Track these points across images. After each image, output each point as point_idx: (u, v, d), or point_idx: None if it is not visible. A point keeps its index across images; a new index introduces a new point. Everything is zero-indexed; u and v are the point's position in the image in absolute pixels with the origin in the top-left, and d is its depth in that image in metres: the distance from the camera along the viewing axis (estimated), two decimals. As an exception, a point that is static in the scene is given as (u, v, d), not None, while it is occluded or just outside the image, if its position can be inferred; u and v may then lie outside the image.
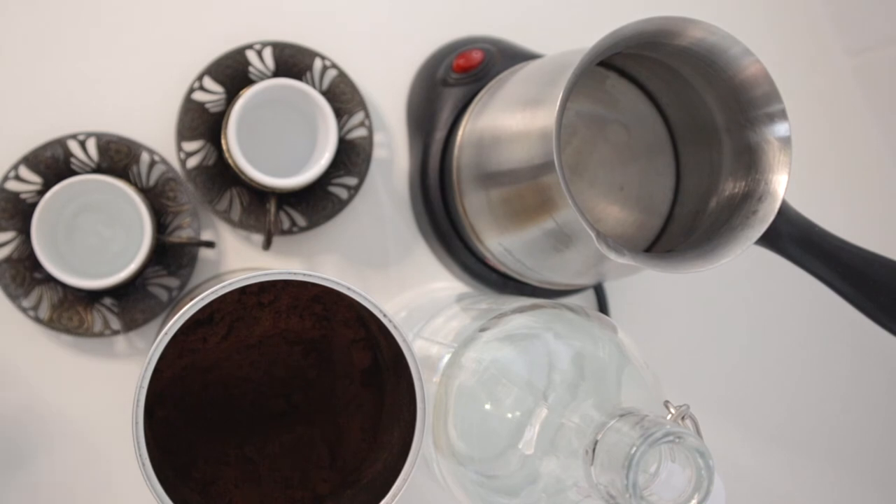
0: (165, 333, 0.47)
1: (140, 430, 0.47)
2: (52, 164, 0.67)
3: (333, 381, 0.62)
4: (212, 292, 0.48)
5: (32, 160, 0.67)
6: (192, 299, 0.48)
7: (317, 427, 0.62)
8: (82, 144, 0.68)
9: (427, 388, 0.52)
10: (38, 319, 0.67)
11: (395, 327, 0.49)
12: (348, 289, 0.49)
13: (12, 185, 0.67)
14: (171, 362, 0.59)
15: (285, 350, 0.63)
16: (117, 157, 0.68)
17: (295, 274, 0.48)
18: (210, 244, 0.68)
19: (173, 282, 0.69)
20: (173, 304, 0.70)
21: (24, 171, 0.67)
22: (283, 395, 0.64)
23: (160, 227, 0.69)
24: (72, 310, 0.67)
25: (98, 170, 0.68)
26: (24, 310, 0.67)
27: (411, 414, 0.50)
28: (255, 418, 0.63)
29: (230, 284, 0.48)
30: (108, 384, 0.70)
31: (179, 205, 0.69)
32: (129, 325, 0.68)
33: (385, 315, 0.49)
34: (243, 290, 0.57)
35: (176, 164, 0.70)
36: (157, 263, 0.69)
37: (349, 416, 0.60)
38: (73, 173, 0.67)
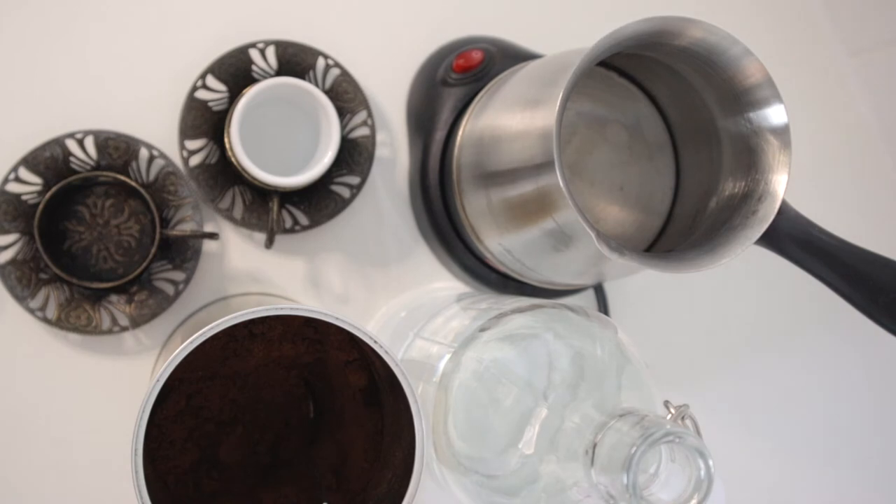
0: (158, 380, 0.47)
1: (141, 478, 0.47)
2: (52, 163, 0.67)
3: (332, 403, 0.62)
4: (201, 334, 0.47)
5: (31, 161, 0.67)
6: (183, 340, 0.48)
7: (320, 451, 0.62)
8: (80, 143, 0.68)
9: (426, 395, 0.52)
10: (46, 320, 0.67)
11: (385, 352, 0.49)
12: (337, 319, 0.49)
13: (13, 187, 0.67)
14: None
15: (281, 376, 0.63)
16: (116, 154, 0.68)
17: (282, 308, 0.48)
18: (213, 235, 0.68)
19: (178, 275, 0.69)
20: (180, 305, 0.70)
21: (24, 173, 0.67)
22: (284, 422, 0.64)
23: (162, 221, 0.69)
24: (79, 308, 0.67)
25: (98, 167, 0.68)
26: (31, 311, 0.67)
27: (412, 434, 0.50)
28: (258, 450, 0.63)
29: (219, 325, 0.47)
30: (117, 381, 0.70)
31: (181, 198, 0.69)
32: (137, 321, 0.68)
33: (376, 341, 0.49)
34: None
35: (178, 162, 0.70)
36: (161, 258, 0.69)
37: (351, 437, 0.60)
38: (73, 172, 0.68)
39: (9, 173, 0.67)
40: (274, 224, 0.68)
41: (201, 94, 0.70)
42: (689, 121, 0.65)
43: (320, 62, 0.71)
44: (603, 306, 0.76)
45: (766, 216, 0.55)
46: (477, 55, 0.69)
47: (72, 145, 0.68)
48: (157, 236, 0.67)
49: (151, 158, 0.69)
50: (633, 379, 0.52)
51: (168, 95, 0.70)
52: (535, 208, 0.57)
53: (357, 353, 0.60)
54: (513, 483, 0.51)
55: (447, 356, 0.56)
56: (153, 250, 0.67)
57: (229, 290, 0.72)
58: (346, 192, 0.71)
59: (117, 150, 0.69)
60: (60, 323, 0.67)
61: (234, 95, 0.70)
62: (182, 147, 0.69)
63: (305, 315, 0.49)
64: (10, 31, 0.70)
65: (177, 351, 0.47)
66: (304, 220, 0.71)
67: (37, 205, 0.66)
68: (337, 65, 0.72)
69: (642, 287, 0.77)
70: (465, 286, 0.75)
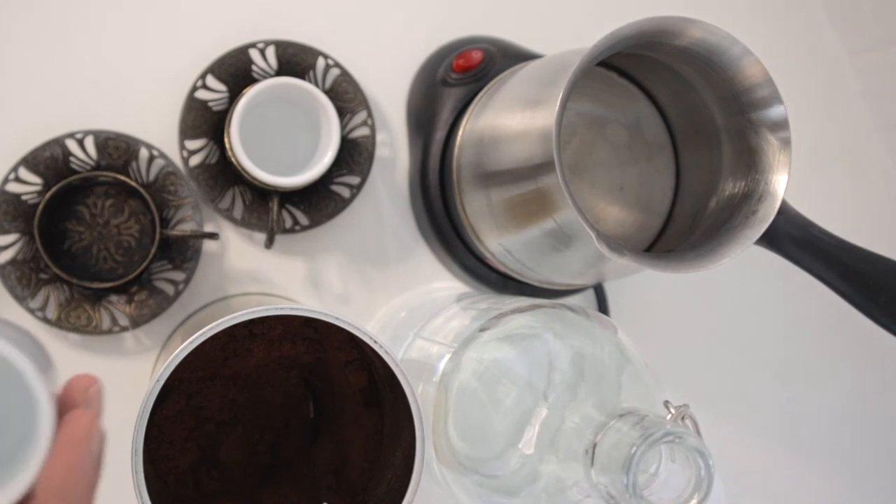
0: (158, 380, 0.47)
1: (141, 478, 0.47)
2: (52, 164, 0.67)
3: (332, 403, 0.62)
4: (201, 334, 0.47)
5: (31, 161, 0.67)
6: (183, 340, 0.48)
7: (320, 451, 0.62)
8: (80, 143, 0.68)
9: (426, 395, 0.51)
10: (46, 320, 0.67)
11: (385, 352, 0.49)
12: (337, 319, 0.49)
13: (13, 187, 0.67)
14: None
15: (282, 376, 0.63)
16: (116, 154, 0.68)
17: (282, 308, 0.48)
18: (213, 235, 0.68)
19: (178, 275, 0.69)
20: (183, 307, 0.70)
21: (24, 173, 0.67)
22: (284, 422, 0.64)
23: (162, 221, 0.69)
24: (79, 308, 0.67)
25: (98, 167, 0.68)
26: (31, 311, 0.67)
27: (412, 434, 0.50)
28: (258, 450, 0.63)
29: (219, 325, 0.47)
30: (117, 381, 0.70)
31: (181, 198, 0.69)
32: (137, 321, 0.68)
33: (376, 341, 0.49)
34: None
35: (178, 162, 0.70)
36: (161, 258, 0.69)
37: (351, 437, 0.60)
38: (73, 172, 0.68)
39: (9, 173, 0.67)
40: (274, 224, 0.68)
41: (201, 94, 0.70)
42: (689, 121, 0.65)
43: (320, 62, 0.71)
44: (603, 306, 0.76)
45: (766, 216, 0.55)
46: (477, 55, 0.69)
47: (72, 145, 0.68)
48: (157, 236, 0.67)
49: (151, 158, 0.69)
50: (633, 379, 0.52)
51: (168, 95, 0.70)
52: (535, 208, 0.57)
53: (357, 353, 0.60)
54: (513, 483, 0.51)
55: (447, 356, 0.56)
56: (153, 250, 0.67)
57: (229, 290, 0.72)
58: (346, 192, 0.71)
59: (117, 150, 0.69)
60: (60, 323, 0.67)
61: (234, 95, 0.70)
62: (182, 147, 0.69)
63: (305, 315, 0.49)
64: (10, 31, 0.70)
65: (177, 351, 0.47)
66: (304, 220, 0.71)
67: (37, 205, 0.66)
68: (337, 65, 0.72)
69: (642, 287, 0.77)
70: (465, 286, 0.75)
